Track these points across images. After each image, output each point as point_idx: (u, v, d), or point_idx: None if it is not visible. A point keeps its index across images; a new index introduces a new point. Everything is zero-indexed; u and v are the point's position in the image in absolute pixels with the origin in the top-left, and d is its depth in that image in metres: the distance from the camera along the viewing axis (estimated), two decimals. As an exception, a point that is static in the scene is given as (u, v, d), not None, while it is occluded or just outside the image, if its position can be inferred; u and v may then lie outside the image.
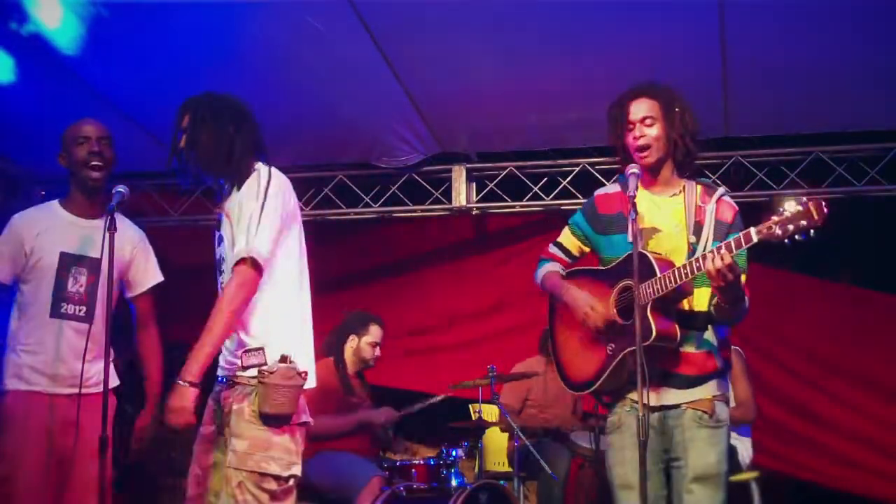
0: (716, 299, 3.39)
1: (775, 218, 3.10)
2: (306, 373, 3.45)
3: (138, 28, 5.05)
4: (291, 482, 3.45)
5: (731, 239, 3.22)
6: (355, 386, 5.84)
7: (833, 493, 6.77)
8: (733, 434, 5.87)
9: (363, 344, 5.83)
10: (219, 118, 3.57)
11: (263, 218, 3.41)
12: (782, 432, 6.84)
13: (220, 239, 3.60)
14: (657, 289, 3.34)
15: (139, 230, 4.38)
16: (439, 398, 5.81)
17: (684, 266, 3.30)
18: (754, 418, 6.14)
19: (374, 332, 5.85)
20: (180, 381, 3.31)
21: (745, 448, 5.99)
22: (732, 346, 5.93)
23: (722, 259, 3.17)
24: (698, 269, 3.26)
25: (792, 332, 6.95)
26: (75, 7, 4.81)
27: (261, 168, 3.55)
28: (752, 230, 3.16)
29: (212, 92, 3.65)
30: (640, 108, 3.55)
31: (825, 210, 3.04)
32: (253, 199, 3.43)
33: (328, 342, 5.86)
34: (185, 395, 3.30)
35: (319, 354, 5.75)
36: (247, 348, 3.43)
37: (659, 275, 3.34)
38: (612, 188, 3.72)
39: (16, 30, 4.85)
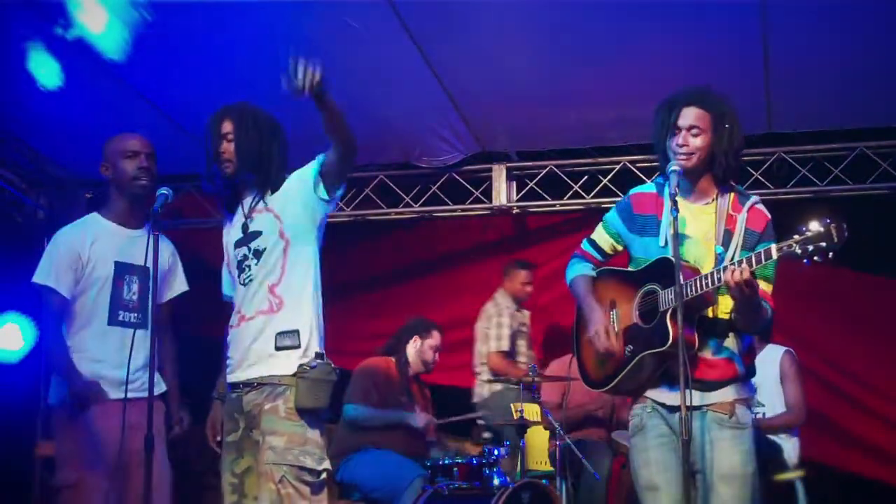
0: (734, 310, 3.40)
1: (797, 237, 3.12)
2: (338, 369, 3.66)
3: (181, 32, 5.10)
4: (324, 476, 3.59)
5: (752, 254, 3.23)
6: (413, 389, 5.91)
7: (881, 487, 6.69)
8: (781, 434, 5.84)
9: (426, 346, 5.99)
10: (263, 127, 3.75)
11: None
12: (829, 426, 6.78)
13: (253, 235, 3.71)
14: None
15: (169, 241, 4.42)
16: (477, 415, 5.94)
17: (706, 276, 3.31)
18: (803, 422, 6.03)
19: (436, 337, 6.04)
20: None
21: (791, 447, 5.91)
22: (785, 349, 5.96)
23: (741, 273, 3.18)
24: (718, 280, 3.27)
25: (839, 327, 6.90)
26: (120, 12, 4.87)
27: None
28: (773, 247, 3.18)
29: (247, 102, 3.81)
30: (690, 116, 3.46)
31: (846, 234, 3.05)
32: None
33: (389, 344, 6.03)
34: None
35: (379, 354, 5.94)
36: (281, 331, 3.61)
37: (682, 282, 3.33)
38: (647, 188, 3.68)
39: (62, 35, 4.91)
